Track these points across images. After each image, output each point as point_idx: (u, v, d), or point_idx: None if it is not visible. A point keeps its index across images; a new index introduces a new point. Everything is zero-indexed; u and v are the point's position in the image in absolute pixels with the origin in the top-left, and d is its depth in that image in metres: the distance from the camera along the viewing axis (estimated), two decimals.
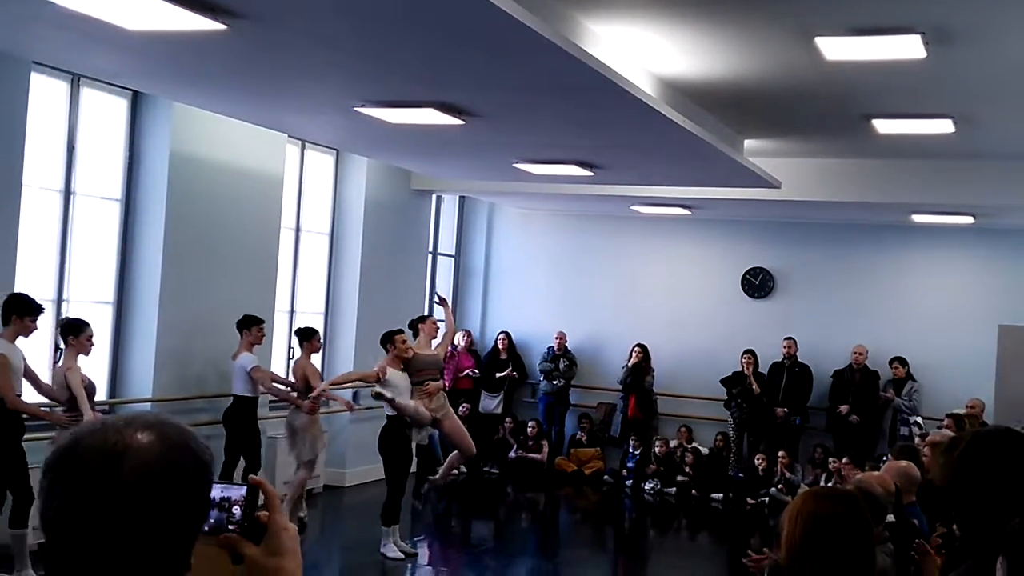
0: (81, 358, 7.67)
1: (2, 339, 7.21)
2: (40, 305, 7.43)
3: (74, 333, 7.57)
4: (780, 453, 12.82)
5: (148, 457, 1.39)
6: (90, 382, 7.58)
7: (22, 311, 7.23)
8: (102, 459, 1.37)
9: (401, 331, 9.31)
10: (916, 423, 12.36)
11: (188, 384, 9.51)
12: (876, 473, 5.32)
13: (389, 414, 9.07)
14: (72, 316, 8.02)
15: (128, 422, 1.42)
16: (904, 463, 5.62)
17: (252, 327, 9.51)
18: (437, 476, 10.21)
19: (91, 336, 7.61)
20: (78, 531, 1.36)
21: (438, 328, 10.08)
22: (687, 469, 13.28)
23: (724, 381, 13.42)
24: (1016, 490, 2.74)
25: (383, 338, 9.29)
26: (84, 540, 1.36)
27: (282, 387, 9.91)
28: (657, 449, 13.39)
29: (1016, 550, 2.37)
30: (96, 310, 9.13)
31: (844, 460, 11.79)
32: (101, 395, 9.08)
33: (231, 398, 9.55)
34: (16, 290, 7.78)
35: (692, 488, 13.12)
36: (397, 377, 9.07)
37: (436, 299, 10.89)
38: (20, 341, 7.33)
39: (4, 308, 7.26)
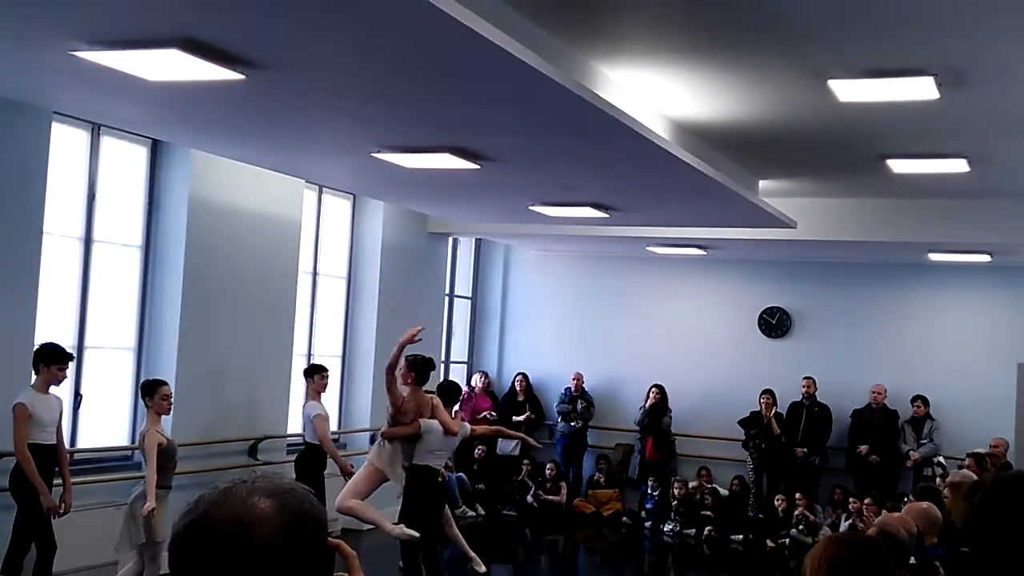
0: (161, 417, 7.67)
1: (32, 388, 7.25)
2: (68, 353, 7.48)
3: (149, 394, 7.61)
4: (797, 496, 12.75)
5: (275, 527, 1.44)
6: (169, 443, 7.54)
7: (49, 360, 7.27)
8: (233, 532, 1.43)
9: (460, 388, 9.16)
10: (938, 463, 12.29)
11: (208, 429, 9.52)
12: (898, 515, 5.29)
13: (417, 463, 8.51)
14: (151, 377, 8.06)
15: (249, 491, 1.47)
16: (925, 504, 5.59)
17: (315, 375, 9.67)
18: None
19: (167, 395, 7.60)
20: None
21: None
22: (705, 512, 13.18)
23: (742, 422, 13.37)
24: None
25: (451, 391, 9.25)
26: None
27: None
28: (676, 490, 13.32)
29: None
30: (117, 357, 9.20)
31: (867, 501, 11.71)
32: (122, 440, 9.15)
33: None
34: (37, 337, 7.85)
35: (712, 529, 13.03)
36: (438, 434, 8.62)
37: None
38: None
39: (34, 358, 7.33)
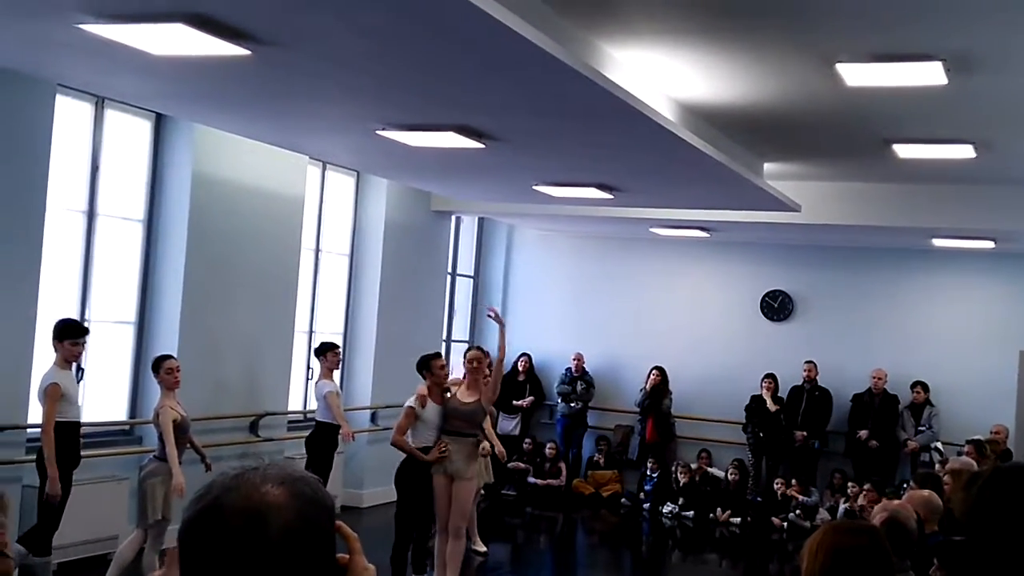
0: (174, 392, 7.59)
1: (55, 367, 7.18)
2: (82, 327, 7.43)
3: (155, 369, 7.60)
4: (792, 481, 12.79)
5: (288, 514, 1.44)
6: (183, 418, 7.49)
7: (62, 335, 7.19)
8: (247, 519, 1.42)
9: (439, 354, 8.57)
10: (936, 448, 12.31)
11: (209, 404, 9.52)
12: (898, 502, 5.29)
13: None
14: (157, 354, 8.02)
15: (262, 478, 1.47)
16: (927, 492, 5.58)
17: (327, 353, 9.72)
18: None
19: (171, 369, 7.53)
20: None
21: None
22: (705, 488, 13.27)
23: (747, 408, 13.42)
24: None
25: (419, 365, 8.34)
26: None
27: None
28: (680, 476, 13.32)
29: None
30: (117, 330, 9.20)
31: (866, 487, 11.72)
32: (121, 415, 9.17)
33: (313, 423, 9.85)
34: (40, 311, 7.84)
35: (728, 513, 13.06)
36: (431, 411, 8.15)
37: (490, 314, 9.30)
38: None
39: (53, 335, 7.24)
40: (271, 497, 1.44)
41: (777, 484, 12.95)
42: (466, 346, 14.93)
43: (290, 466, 1.54)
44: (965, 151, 8.96)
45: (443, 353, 13.61)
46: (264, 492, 1.45)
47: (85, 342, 7.36)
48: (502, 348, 8.69)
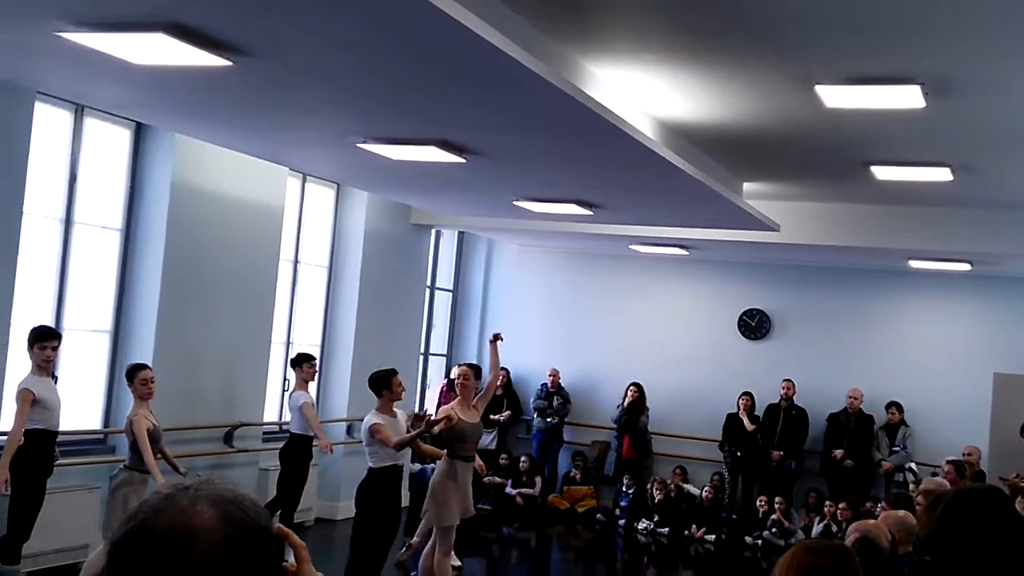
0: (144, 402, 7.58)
1: (31, 374, 7.13)
2: (52, 331, 7.38)
3: (129, 378, 7.56)
4: (777, 499, 12.79)
5: (215, 536, 1.42)
6: (155, 427, 7.47)
7: (33, 339, 7.16)
8: (172, 542, 1.40)
9: (396, 371, 8.23)
10: (910, 469, 12.37)
11: (184, 414, 9.47)
12: (873, 522, 5.30)
13: (371, 466, 8.00)
14: (132, 362, 7.99)
15: (192, 499, 1.44)
16: (902, 513, 5.59)
17: (303, 364, 9.68)
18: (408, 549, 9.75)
19: (145, 380, 7.54)
20: None
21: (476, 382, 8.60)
22: (681, 505, 13.26)
23: (724, 428, 13.44)
24: (997, 549, 2.76)
25: (376, 382, 8.11)
26: None
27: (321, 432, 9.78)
28: (656, 492, 13.31)
29: None
30: (93, 339, 9.14)
31: (841, 505, 11.75)
32: (95, 424, 9.10)
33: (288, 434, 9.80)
34: (14, 318, 7.79)
35: (685, 528, 13.06)
36: (393, 427, 7.96)
37: (491, 337, 9.12)
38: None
39: (26, 341, 7.21)
40: (198, 519, 1.42)
41: (760, 502, 12.94)
42: (443, 360, 14.95)
43: (225, 486, 1.50)
44: (942, 174, 9.02)
45: (420, 367, 13.64)
46: (191, 515, 1.42)
47: (56, 346, 7.28)
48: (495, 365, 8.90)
